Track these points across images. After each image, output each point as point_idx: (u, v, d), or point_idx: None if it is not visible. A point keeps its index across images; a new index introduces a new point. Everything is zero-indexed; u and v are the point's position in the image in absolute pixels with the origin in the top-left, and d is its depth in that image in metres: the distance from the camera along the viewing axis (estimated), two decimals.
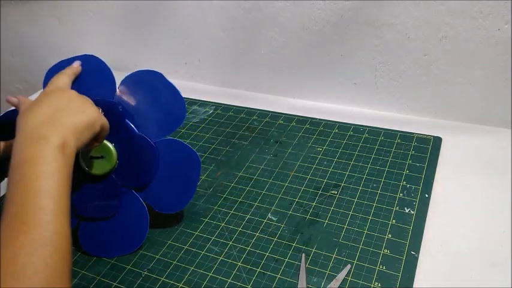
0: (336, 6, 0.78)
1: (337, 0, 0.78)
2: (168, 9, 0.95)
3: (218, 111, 0.91)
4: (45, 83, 0.61)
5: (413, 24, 0.74)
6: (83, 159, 0.59)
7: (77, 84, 0.61)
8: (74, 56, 0.64)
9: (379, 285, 0.53)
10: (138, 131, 0.61)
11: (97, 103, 0.56)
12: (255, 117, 0.88)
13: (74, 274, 0.59)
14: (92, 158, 0.59)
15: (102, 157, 0.59)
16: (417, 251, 0.57)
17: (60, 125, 0.47)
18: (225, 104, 0.92)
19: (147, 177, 0.61)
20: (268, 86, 0.95)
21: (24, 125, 0.47)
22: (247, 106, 0.91)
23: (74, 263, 0.61)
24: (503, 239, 0.57)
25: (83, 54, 0.63)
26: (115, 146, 0.59)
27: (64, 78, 0.58)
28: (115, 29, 1.05)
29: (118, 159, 0.60)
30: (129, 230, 0.61)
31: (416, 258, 0.56)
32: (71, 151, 0.47)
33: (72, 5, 1.07)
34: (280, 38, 0.87)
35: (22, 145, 0.45)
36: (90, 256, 0.61)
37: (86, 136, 0.50)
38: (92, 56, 0.64)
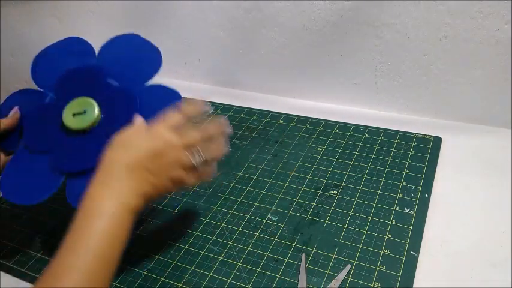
0: (336, 6, 0.78)
1: (337, 0, 0.78)
2: (168, 9, 0.95)
3: (218, 111, 0.91)
4: (33, 70, 0.66)
5: (413, 24, 0.74)
6: (65, 118, 0.59)
7: (62, 61, 0.67)
8: (59, 40, 0.71)
9: (379, 285, 0.53)
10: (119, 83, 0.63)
11: (78, 69, 0.63)
12: (255, 117, 0.88)
13: None
14: (75, 115, 0.60)
15: (84, 112, 0.60)
16: (417, 251, 0.57)
17: (141, 181, 0.49)
18: (225, 104, 0.92)
19: (130, 124, 0.59)
20: (268, 86, 0.95)
21: (109, 163, 0.50)
22: (247, 106, 0.91)
23: None
24: (503, 239, 0.57)
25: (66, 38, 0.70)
26: (99, 103, 0.60)
27: (177, 118, 0.55)
28: (115, 29, 1.05)
29: (102, 113, 0.60)
30: None
31: (416, 258, 0.56)
32: (137, 211, 0.48)
33: (72, 5, 1.07)
34: (280, 38, 0.87)
35: (95, 183, 0.48)
36: None
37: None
38: (74, 37, 0.71)
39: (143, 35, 1.06)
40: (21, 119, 0.63)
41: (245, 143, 0.80)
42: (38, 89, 0.65)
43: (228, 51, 0.94)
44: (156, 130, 0.52)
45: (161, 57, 0.65)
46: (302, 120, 0.85)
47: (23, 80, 1.32)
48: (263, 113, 0.88)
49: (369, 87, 0.84)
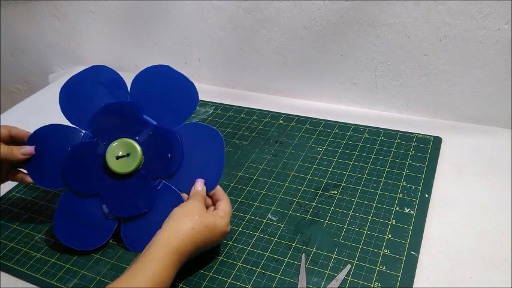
0: (336, 6, 0.78)
1: (337, 0, 0.78)
2: (168, 9, 0.95)
3: (218, 111, 0.91)
4: (62, 103, 0.65)
5: (413, 24, 0.74)
6: (110, 161, 0.60)
7: (93, 94, 0.64)
8: (84, 68, 0.66)
9: (379, 285, 0.53)
10: (157, 123, 0.63)
11: (114, 106, 0.62)
12: (255, 117, 0.88)
13: (74, 274, 0.59)
14: (118, 157, 0.60)
15: (128, 155, 0.61)
16: (417, 251, 0.57)
17: (194, 254, 0.55)
18: (225, 104, 0.92)
19: (174, 164, 0.61)
20: (268, 86, 0.95)
21: (177, 227, 0.53)
22: (247, 106, 0.91)
23: (74, 263, 0.61)
24: (503, 239, 0.57)
25: (91, 66, 0.66)
26: (138, 142, 0.61)
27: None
28: (115, 29, 1.05)
29: (144, 154, 0.61)
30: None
31: (416, 258, 0.56)
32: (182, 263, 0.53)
33: (72, 5, 1.07)
34: (280, 38, 0.87)
35: (161, 236, 0.52)
36: (91, 255, 0.61)
37: None
38: (100, 66, 0.66)
39: (143, 35, 1.06)
40: (50, 155, 0.62)
41: (245, 143, 0.80)
42: (70, 124, 0.64)
43: (228, 51, 0.94)
44: (216, 226, 0.56)
45: (197, 92, 0.63)
46: (302, 120, 0.85)
47: (23, 80, 1.33)
48: (263, 113, 0.88)
49: (369, 87, 0.84)
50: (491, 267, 0.54)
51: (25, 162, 0.63)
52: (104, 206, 0.61)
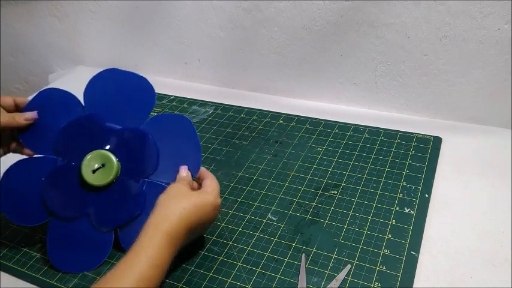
0: (336, 6, 0.78)
1: (337, 0, 0.78)
2: (168, 9, 0.95)
3: (218, 111, 0.91)
4: (23, 136, 0.63)
5: (413, 24, 0.74)
6: (87, 177, 0.59)
7: (48, 120, 0.62)
8: (35, 95, 0.64)
9: (379, 285, 0.53)
10: (121, 126, 0.62)
11: (74, 123, 0.61)
12: (255, 117, 0.88)
13: (74, 274, 0.59)
14: (94, 171, 0.59)
15: (103, 165, 0.59)
16: (417, 251, 0.57)
17: (190, 235, 0.55)
18: (225, 104, 0.92)
19: (151, 161, 0.60)
20: (268, 86, 0.95)
21: (165, 211, 0.53)
22: (247, 106, 0.91)
23: None
24: (503, 239, 0.57)
25: (37, 93, 0.64)
26: (110, 150, 0.60)
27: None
28: (115, 29, 1.05)
29: (119, 159, 0.60)
30: None
31: (416, 258, 0.56)
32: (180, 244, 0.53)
33: (72, 5, 1.07)
34: (280, 38, 0.87)
35: (150, 224, 0.51)
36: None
37: None
38: (45, 90, 0.65)
39: (143, 35, 1.06)
40: (34, 187, 0.60)
41: (245, 143, 0.80)
42: (36, 155, 0.62)
43: (228, 51, 0.94)
44: (205, 202, 0.56)
45: (151, 85, 0.63)
46: (302, 120, 0.85)
47: (23, 80, 1.33)
48: (263, 113, 0.88)
49: (369, 87, 0.84)
50: (491, 267, 0.54)
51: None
52: (96, 223, 0.60)
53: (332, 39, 0.82)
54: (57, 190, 0.60)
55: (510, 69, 0.72)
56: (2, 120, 0.59)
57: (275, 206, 0.66)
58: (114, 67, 0.64)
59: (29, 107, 0.63)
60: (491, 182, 0.66)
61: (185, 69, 1.02)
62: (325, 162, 0.74)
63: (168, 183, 0.59)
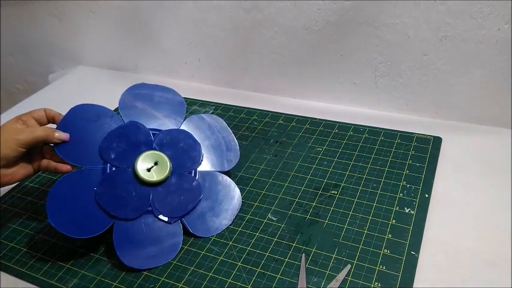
0: (336, 6, 0.78)
1: (337, 0, 0.78)
2: (168, 9, 0.96)
3: (218, 111, 0.91)
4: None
5: (413, 24, 0.74)
6: (144, 175, 0.62)
7: (89, 133, 0.65)
8: (67, 112, 0.65)
9: (379, 285, 0.53)
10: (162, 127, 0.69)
11: (116, 131, 0.64)
12: (255, 117, 0.88)
13: (74, 274, 0.59)
14: (149, 169, 0.63)
15: (156, 164, 0.64)
16: (417, 251, 0.57)
17: None
18: (225, 104, 0.92)
19: (196, 154, 0.67)
20: (268, 86, 0.95)
21: None
22: (247, 106, 0.91)
23: (74, 263, 0.61)
24: (503, 239, 0.57)
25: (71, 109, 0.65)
26: (158, 150, 0.65)
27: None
28: (115, 29, 1.05)
29: (169, 158, 0.65)
30: (221, 199, 0.66)
31: (416, 258, 0.56)
32: None
33: (72, 5, 1.07)
34: (280, 38, 0.87)
35: None
36: (91, 255, 0.61)
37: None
38: (80, 106, 0.66)
39: (143, 35, 1.06)
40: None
41: (245, 143, 0.80)
42: (83, 167, 0.62)
43: (228, 51, 0.94)
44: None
45: (179, 94, 0.73)
46: (302, 120, 0.85)
47: (23, 80, 1.33)
48: (263, 113, 0.88)
49: (369, 87, 0.84)
50: (491, 267, 0.54)
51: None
52: (163, 216, 0.62)
53: (332, 39, 0.82)
54: (114, 194, 0.61)
55: (510, 69, 0.72)
56: (39, 133, 0.59)
57: (275, 206, 0.66)
58: (143, 82, 0.72)
59: (63, 123, 0.63)
60: (491, 182, 0.66)
61: (185, 69, 1.03)
62: (325, 162, 0.74)
63: (217, 170, 0.68)
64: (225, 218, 0.64)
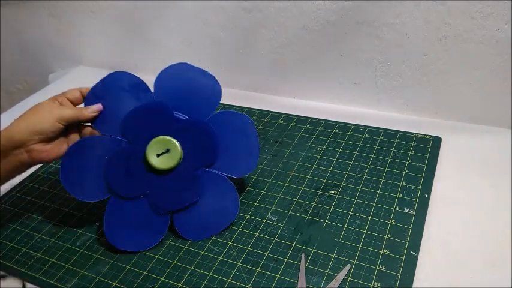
0: (336, 6, 0.78)
1: (337, 0, 0.78)
2: (168, 9, 0.96)
3: (218, 111, 0.90)
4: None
5: (413, 24, 0.74)
6: (152, 159, 0.61)
7: (119, 101, 0.64)
8: (104, 77, 0.66)
9: (379, 285, 0.53)
10: (187, 116, 0.65)
11: (143, 109, 0.63)
12: (255, 117, 0.88)
13: (73, 274, 0.59)
14: (159, 155, 0.62)
15: (167, 151, 0.62)
16: (417, 251, 0.57)
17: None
18: (225, 104, 0.92)
19: (211, 152, 0.64)
20: (268, 86, 0.95)
21: None
22: (247, 106, 0.91)
23: (74, 263, 0.61)
24: (503, 239, 0.57)
25: (109, 74, 0.66)
26: (174, 137, 0.62)
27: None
28: (115, 29, 1.05)
29: (182, 147, 0.62)
30: (220, 204, 0.64)
31: (416, 258, 0.56)
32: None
33: (72, 5, 1.07)
34: (280, 38, 0.87)
35: None
36: (90, 255, 0.61)
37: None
38: (119, 72, 0.66)
39: (143, 35, 1.06)
40: (100, 166, 0.62)
41: None
42: (101, 134, 0.63)
43: (228, 51, 0.94)
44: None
45: (218, 83, 0.66)
46: (302, 120, 0.85)
47: (23, 80, 1.33)
48: (263, 113, 0.88)
49: (369, 87, 0.84)
50: (491, 267, 0.54)
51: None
52: (154, 204, 0.62)
53: (332, 39, 0.82)
54: (120, 169, 0.62)
55: (510, 69, 0.72)
56: (70, 113, 0.60)
57: (275, 206, 0.66)
58: (185, 62, 0.68)
59: (94, 91, 0.64)
60: (491, 182, 0.66)
61: None
62: (325, 162, 0.74)
63: (226, 175, 0.64)
64: (210, 229, 0.63)
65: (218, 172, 0.64)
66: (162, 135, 0.62)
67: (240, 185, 0.70)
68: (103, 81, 0.65)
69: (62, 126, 0.60)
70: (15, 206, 0.72)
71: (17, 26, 1.19)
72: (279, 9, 0.84)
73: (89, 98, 0.64)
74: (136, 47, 1.05)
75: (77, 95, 0.64)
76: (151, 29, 1.01)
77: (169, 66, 0.68)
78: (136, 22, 1.01)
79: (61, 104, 0.62)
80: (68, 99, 0.63)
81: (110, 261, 0.60)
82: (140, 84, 0.65)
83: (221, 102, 0.92)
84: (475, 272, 0.54)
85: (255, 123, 0.86)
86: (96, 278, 0.58)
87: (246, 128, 0.65)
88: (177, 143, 0.62)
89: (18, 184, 0.76)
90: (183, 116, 0.64)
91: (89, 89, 0.64)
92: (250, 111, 0.89)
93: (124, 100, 0.64)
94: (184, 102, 0.65)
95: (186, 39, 0.98)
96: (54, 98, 0.62)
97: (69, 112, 0.61)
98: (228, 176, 0.64)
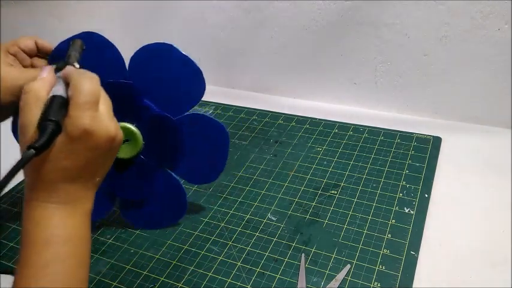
0: (336, 6, 0.78)
1: (337, 0, 0.78)
2: (169, 9, 0.96)
3: (218, 111, 0.91)
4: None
5: (413, 24, 0.74)
6: None
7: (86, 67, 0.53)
8: (74, 35, 0.61)
9: (379, 285, 0.53)
10: (158, 108, 0.58)
11: (110, 85, 0.51)
12: (255, 117, 0.88)
13: None
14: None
15: (127, 140, 0.57)
16: (417, 251, 0.57)
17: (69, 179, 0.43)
18: (225, 104, 0.92)
19: (174, 153, 0.59)
20: (268, 86, 0.95)
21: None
22: (247, 106, 0.91)
23: None
24: (503, 239, 0.57)
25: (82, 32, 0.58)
26: (137, 127, 0.57)
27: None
28: (115, 29, 1.05)
29: (143, 140, 0.58)
30: (168, 205, 0.63)
31: (416, 258, 0.56)
32: None
33: (72, 5, 1.07)
34: (280, 38, 0.87)
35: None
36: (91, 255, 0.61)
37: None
38: (92, 33, 0.58)
39: (143, 35, 1.06)
40: None
41: (245, 143, 0.80)
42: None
43: (228, 51, 0.94)
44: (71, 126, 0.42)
45: (204, 80, 0.59)
46: (302, 120, 0.85)
47: None
48: (263, 113, 0.88)
49: (369, 87, 0.84)
50: (491, 267, 0.54)
51: None
52: (106, 185, 0.54)
53: (332, 39, 0.82)
54: None
55: (510, 69, 0.72)
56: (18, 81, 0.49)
57: (275, 206, 0.66)
58: (171, 43, 0.58)
59: (57, 52, 0.55)
60: (491, 181, 0.66)
61: None
62: (325, 162, 0.73)
63: (182, 181, 0.62)
64: (152, 224, 0.64)
65: (174, 175, 0.61)
66: (125, 121, 0.56)
67: (240, 185, 0.70)
68: (59, 47, 0.57)
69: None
70: (15, 206, 0.72)
71: (17, 26, 1.19)
72: (279, 9, 0.84)
73: (53, 57, 0.55)
74: (136, 47, 1.05)
75: (31, 45, 0.54)
76: (151, 29, 1.01)
77: (151, 44, 0.59)
78: (136, 22, 1.01)
79: (16, 56, 0.53)
80: (20, 48, 0.54)
81: (110, 261, 0.60)
82: (118, 59, 0.59)
83: (221, 102, 0.93)
84: (475, 272, 0.54)
85: (255, 123, 0.86)
86: (96, 278, 0.58)
87: (221, 138, 0.60)
88: (139, 135, 0.57)
89: (18, 184, 0.76)
90: (153, 107, 0.57)
91: (46, 42, 0.56)
92: (250, 111, 0.89)
93: (94, 65, 0.51)
94: (159, 90, 0.57)
95: (186, 39, 0.98)
96: (6, 51, 0.53)
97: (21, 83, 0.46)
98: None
